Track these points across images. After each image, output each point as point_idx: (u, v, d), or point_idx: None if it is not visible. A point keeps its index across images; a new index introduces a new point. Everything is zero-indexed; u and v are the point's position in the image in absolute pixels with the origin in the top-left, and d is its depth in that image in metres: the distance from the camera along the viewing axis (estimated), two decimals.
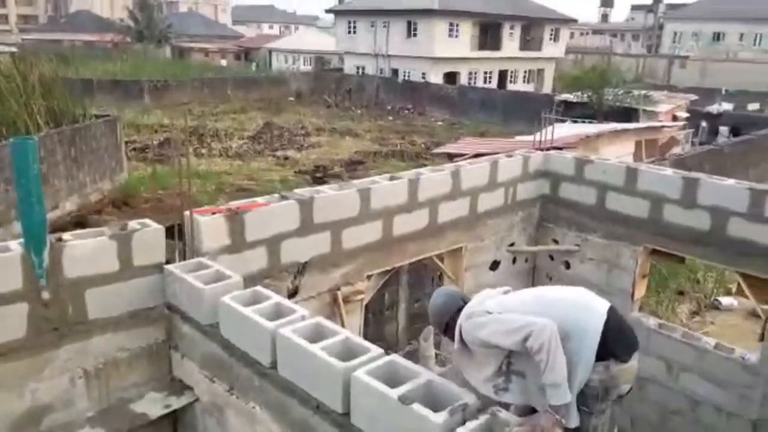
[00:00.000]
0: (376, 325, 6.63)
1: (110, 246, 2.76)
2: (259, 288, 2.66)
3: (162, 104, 28.03)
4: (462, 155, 10.17)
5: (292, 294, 3.54)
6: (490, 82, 35.23)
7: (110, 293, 2.79)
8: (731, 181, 3.85)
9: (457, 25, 33.76)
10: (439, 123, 28.72)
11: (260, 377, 2.36)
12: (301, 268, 3.54)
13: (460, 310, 2.51)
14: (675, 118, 18.43)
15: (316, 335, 2.28)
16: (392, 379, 1.95)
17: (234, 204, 3.34)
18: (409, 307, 6.97)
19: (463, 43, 33.83)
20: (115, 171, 12.67)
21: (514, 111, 26.48)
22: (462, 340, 2.45)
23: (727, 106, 22.92)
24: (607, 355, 2.35)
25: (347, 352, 2.14)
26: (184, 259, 3.10)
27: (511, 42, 35.77)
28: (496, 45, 35.14)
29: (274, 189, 15.93)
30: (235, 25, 75.32)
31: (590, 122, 16.04)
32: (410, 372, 1.95)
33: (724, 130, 19.03)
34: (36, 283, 2.57)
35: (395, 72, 35.86)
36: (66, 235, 2.72)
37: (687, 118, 18.51)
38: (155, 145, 19.76)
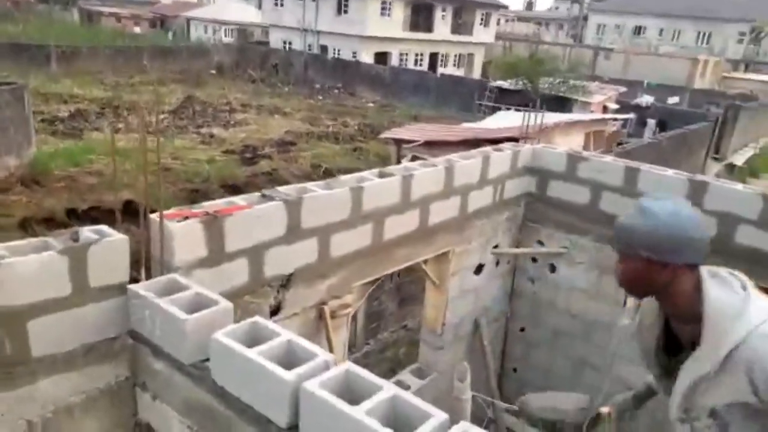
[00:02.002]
0: None
1: (60, 263, 2.14)
2: (259, 319, 2.13)
3: (71, 72, 25.80)
4: (411, 141, 9.81)
5: (274, 312, 3.02)
6: (421, 64, 35.08)
7: (60, 324, 2.17)
8: (740, 186, 3.69)
9: (390, 4, 33.22)
10: (371, 104, 28.25)
11: None
12: (286, 282, 3.03)
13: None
14: (605, 109, 18.96)
15: (349, 388, 1.81)
16: None
17: (208, 205, 2.77)
18: (367, 306, 6.57)
19: (396, 23, 33.39)
20: (22, 146, 11.34)
21: (446, 95, 26.45)
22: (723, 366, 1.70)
23: (649, 99, 23.94)
24: None
25: (399, 416, 1.69)
26: (149, 273, 2.51)
27: (443, 25, 35.71)
28: (428, 27, 34.97)
29: (201, 169, 14.96)
30: None
31: (524, 111, 16.13)
32: None
33: (651, 123, 19.79)
34: None
35: (324, 49, 34.91)
36: None
37: (617, 110, 19.08)
38: (66, 117, 18.04)
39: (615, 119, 13.70)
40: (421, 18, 34.63)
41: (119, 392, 2.39)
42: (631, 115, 18.76)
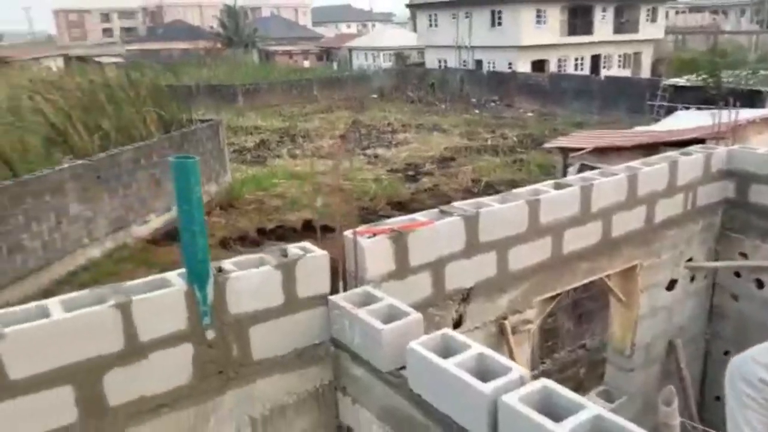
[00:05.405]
0: None
1: (275, 277, 2.41)
2: (449, 331, 2.21)
3: (254, 106, 28.85)
4: (579, 149, 9.42)
5: (456, 325, 3.09)
6: (581, 68, 33.56)
7: (275, 330, 2.45)
8: None
9: (545, 11, 32.36)
10: (530, 114, 27.64)
11: None
12: (466, 295, 3.09)
13: None
14: None
15: (546, 404, 1.80)
16: None
17: (393, 221, 2.93)
18: (542, 322, 6.39)
19: (552, 29, 32.40)
20: (219, 174, 12.88)
21: (612, 98, 24.98)
22: None
23: None
24: None
25: None
26: (345, 285, 2.72)
27: (603, 25, 33.90)
28: (587, 29, 33.43)
29: (368, 188, 15.77)
30: (314, 26, 76.80)
31: (708, 109, 14.66)
32: None
33: None
34: (199, 322, 2.26)
35: (479, 63, 34.95)
36: (227, 264, 2.40)
37: None
38: (252, 147, 20.18)
39: None
40: (579, 21, 33.23)
41: (324, 395, 2.62)
42: None
